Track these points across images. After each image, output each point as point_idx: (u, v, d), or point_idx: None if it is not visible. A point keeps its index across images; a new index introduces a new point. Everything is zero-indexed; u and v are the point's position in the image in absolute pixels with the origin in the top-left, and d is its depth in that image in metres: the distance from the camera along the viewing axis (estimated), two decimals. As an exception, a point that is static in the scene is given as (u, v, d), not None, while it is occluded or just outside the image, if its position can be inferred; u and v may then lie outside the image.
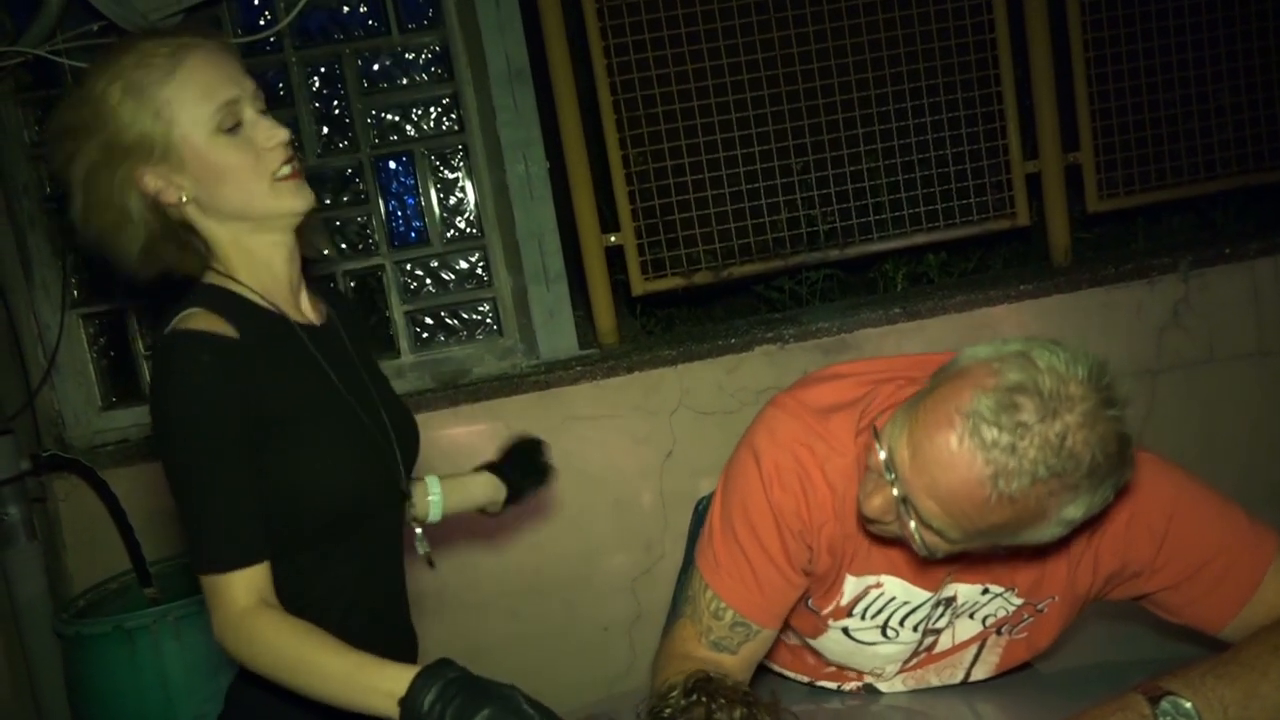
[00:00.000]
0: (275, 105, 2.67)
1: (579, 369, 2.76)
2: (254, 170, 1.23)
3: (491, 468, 1.73)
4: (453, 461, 2.75)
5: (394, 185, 2.77)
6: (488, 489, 1.71)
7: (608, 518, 2.82)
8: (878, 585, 1.28)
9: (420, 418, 2.73)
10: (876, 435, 1.11)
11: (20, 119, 2.63)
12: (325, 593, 1.30)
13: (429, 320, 2.82)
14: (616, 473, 2.81)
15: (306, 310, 1.37)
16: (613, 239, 2.84)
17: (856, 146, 2.88)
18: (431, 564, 1.61)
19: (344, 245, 2.77)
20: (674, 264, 2.88)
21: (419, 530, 1.60)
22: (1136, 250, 3.07)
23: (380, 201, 2.76)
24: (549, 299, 2.80)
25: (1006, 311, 2.84)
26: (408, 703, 1.07)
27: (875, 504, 1.11)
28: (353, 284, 2.78)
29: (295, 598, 1.23)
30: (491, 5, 2.66)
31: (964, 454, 1.01)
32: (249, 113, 1.23)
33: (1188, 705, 1.03)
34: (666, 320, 3.44)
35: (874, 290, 3.24)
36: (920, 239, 2.93)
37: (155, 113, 1.21)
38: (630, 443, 2.80)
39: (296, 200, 1.27)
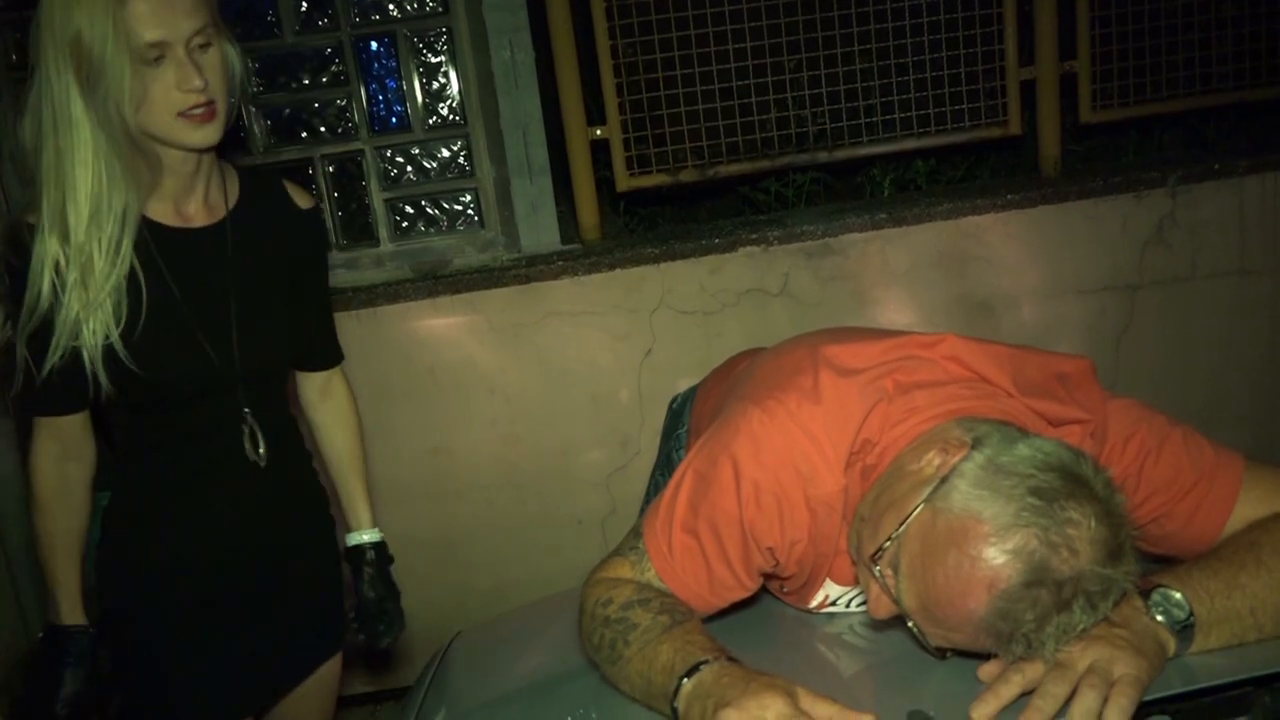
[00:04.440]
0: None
1: (560, 264, 2.73)
2: (160, 103, 1.41)
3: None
4: (431, 351, 2.75)
5: (375, 67, 2.68)
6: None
7: (585, 414, 2.83)
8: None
9: (398, 308, 2.74)
10: (878, 563, 1.08)
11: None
12: (150, 451, 1.58)
13: (409, 209, 2.77)
14: (595, 369, 2.81)
15: (191, 214, 1.54)
16: (598, 132, 2.79)
17: (850, 46, 2.81)
18: None
19: (323, 129, 2.69)
20: (660, 161, 2.83)
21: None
22: (1125, 164, 3.05)
23: (361, 84, 2.67)
24: (532, 191, 2.76)
25: (993, 221, 2.83)
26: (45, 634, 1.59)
27: (877, 609, 1.11)
28: (331, 169, 2.72)
29: (128, 445, 1.58)
30: (478, -124, 2.55)
31: (980, 639, 1.04)
32: (178, 52, 1.39)
33: (1177, 595, 1.07)
34: (649, 219, 3.40)
35: (860, 196, 3.20)
36: (910, 144, 2.89)
37: (93, 22, 1.35)
38: (610, 340, 2.79)
39: (191, 136, 1.44)
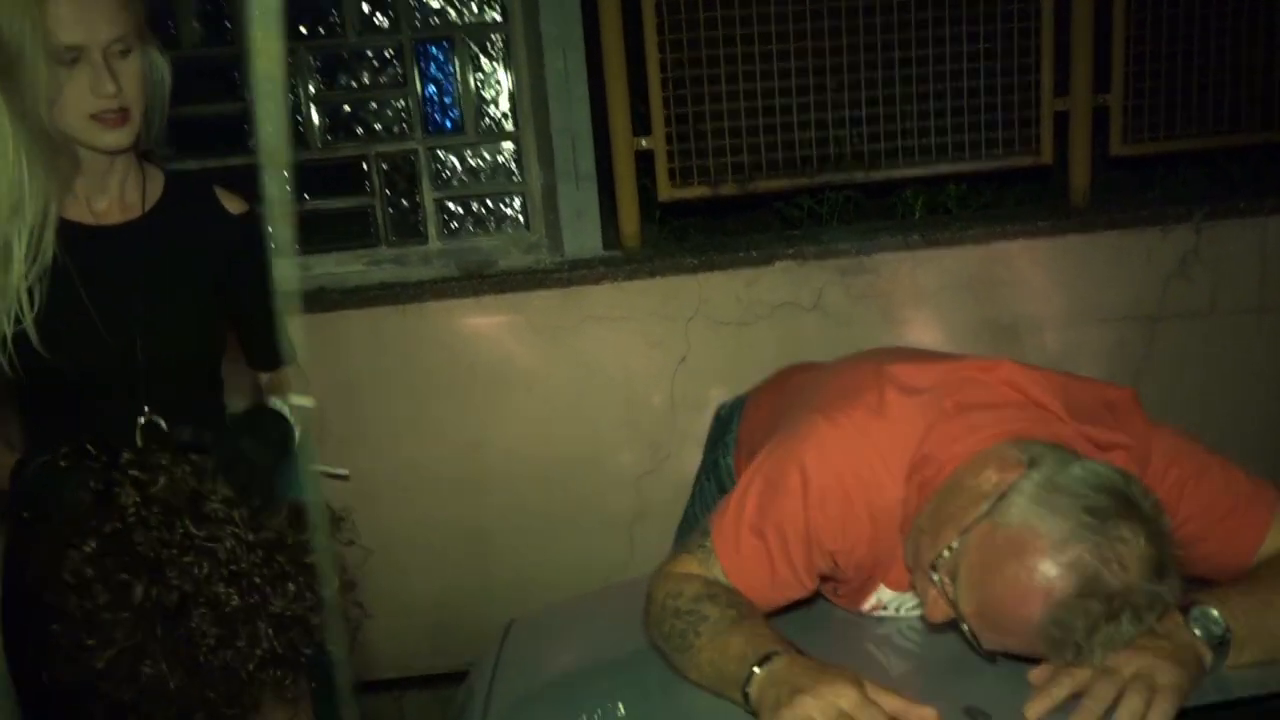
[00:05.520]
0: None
1: (602, 269, 2.82)
2: (73, 104, 1.44)
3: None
4: (473, 347, 2.84)
5: (433, 70, 2.77)
6: None
7: (618, 417, 2.91)
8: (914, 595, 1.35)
9: (444, 305, 2.82)
10: (937, 570, 1.17)
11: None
12: (51, 444, 1.51)
13: (458, 209, 2.86)
14: (630, 374, 2.89)
15: (102, 212, 1.58)
16: (644, 143, 2.87)
17: (891, 70, 2.90)
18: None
19: (379, 127, 2.78)
20: (701, 173, 2.92)
21: None
22: (1152, 197, 3.13)
23: (418, 86, 2.76)
24: (577, 197, 2.84)
25: (1022, 247, 2.91)
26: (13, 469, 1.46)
27: (934, 614, 1.20)
28: (384, 166, 2.80)
29: (32, 440, 1.58)
30: (543, -105, 2.64)
31: (1034, 644, 1.12)
32: (95, 56, 1.42)
33: (1214, 613, 1.16)
34: (680, 229, 3.48)
35: (891, 216, 3.29)
36: (945, 168, 2.98)
37: (10, 18, 1.37)
38: (645, 345, 2.87)
39: (101, 138, 1.48)
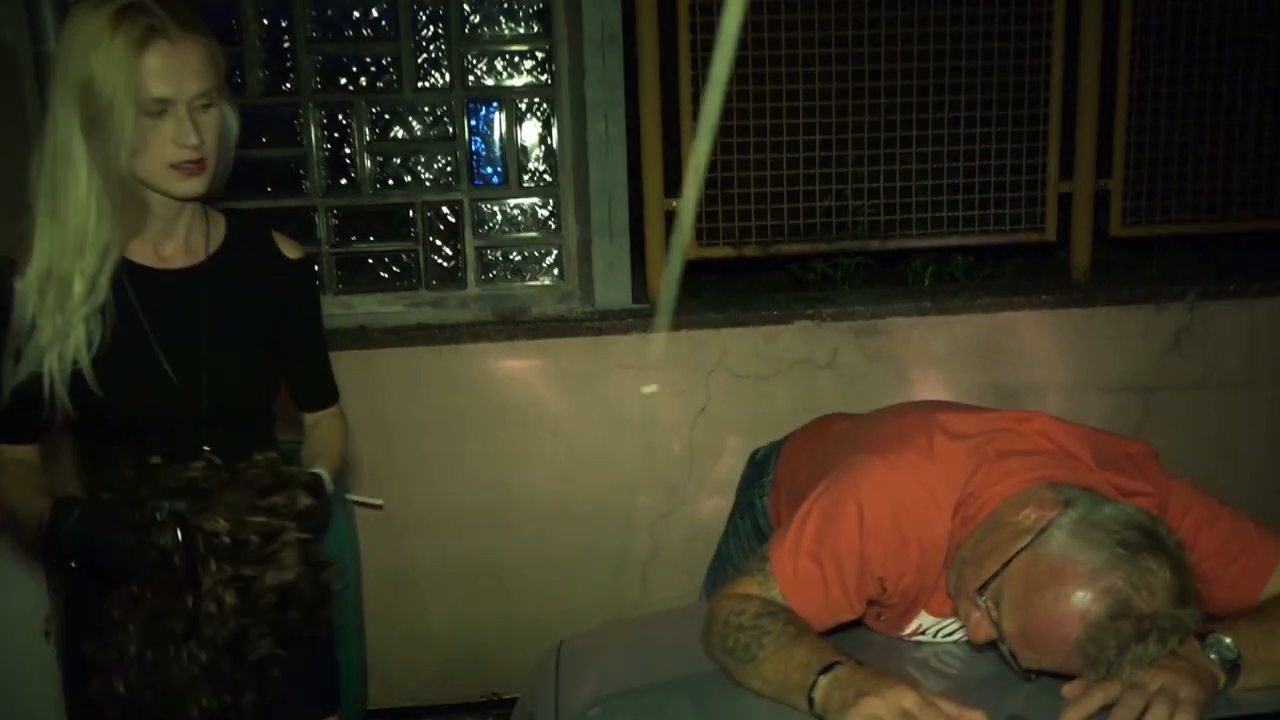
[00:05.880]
0: (381, 37, 2.85)
1: (631, 320, 2.97)
2: (155, 154, 1.49)
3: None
4: (504, 389, 2.97)
5: (481, 127, 2.94)
6: None
7: (638, 461, 3.04)
8: (953, 621, 1.49)
9: (478, 348, 2.97)
10: (983, 595, 1.31)
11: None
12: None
13: (497, 257, 3.01)
14: (652, 421, 3.03)
15: (169, 256, 1.63)
16: (674, 204, 3.04)
17: (908, 147, 3.09)
18: None
19: (427, 177, 2.94)
20: (726, 234, 3.09)
21: None
22: (1149, 276, 3.33)
23: (467, 141, 2.93)
24: (610, 252, 3.00)
25: (1027, 318, 3.09)
26: (48, 521, 1.45)
27: (977, 635, 1.34)
28: (429, 214, 2.96)
29: (91, 477, 1.62)
30: (594, -29, 2.84)
31: (1071, 660, 1.25)
32: (180, 110, 1.48)
33: (1227, 640, 1.31)
34: (694, 287, 3.64)
35: (901, 283, 3.46)
36: (955, 240, 3.16)
37: (107, 71, 1.42)
38: (668, 394, 3.02)
39: (178, 186, 1.53)
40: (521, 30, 2.92)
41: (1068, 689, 1.28)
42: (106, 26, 1.41)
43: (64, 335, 1.51)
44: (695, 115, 2.98)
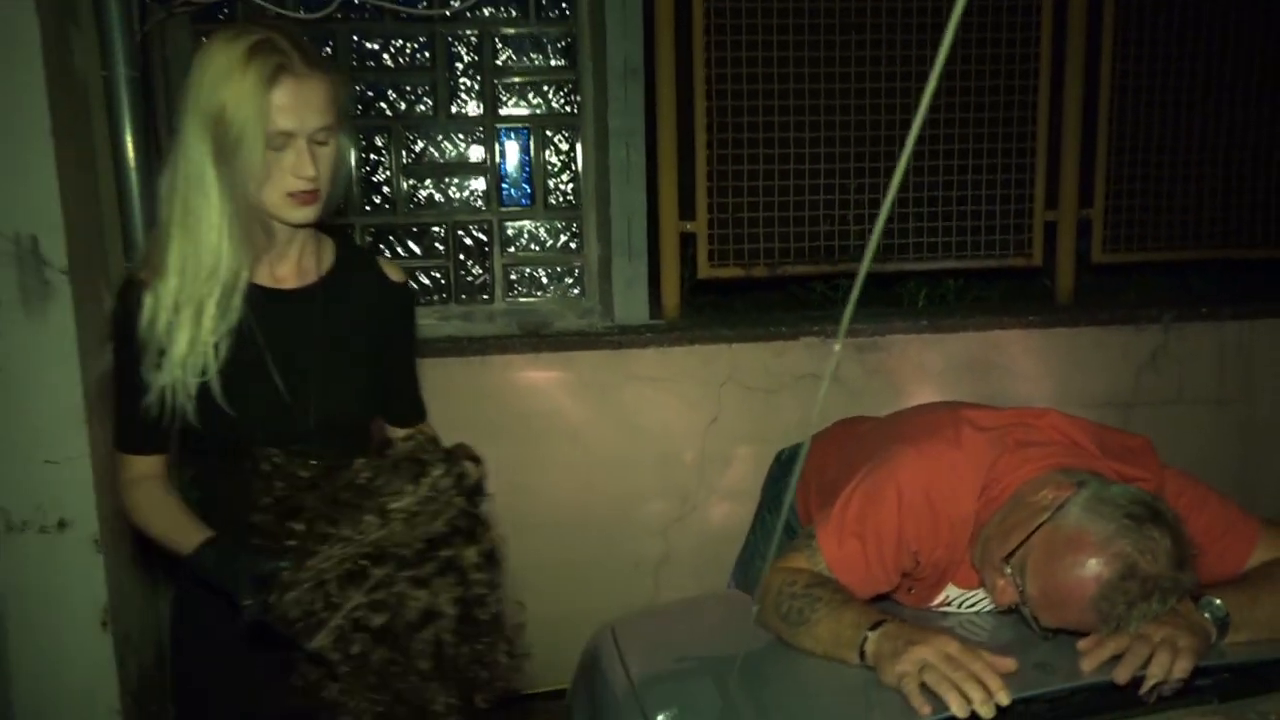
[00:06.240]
0: (418, 68, 3.04)
1: (648, 335, 3.16)
2: (274, 183, 1.57)
3: None
4: (527, 398, 3.14)
5: (511, 152, 3.14)
6: None
7: (652, 468, 3.23)
8: (977, 592, 1.70)
9: (504, 359, 3.15)
10: (1008, 564, 1.51)
11: (191, 45, 2.94)
12: (228, 493, 1.61)
13: (523, 274, 3.20)
14: (666, 430, 3.22)
15: (282, 277, 1.70)
16: (688, 226, 3.24)
17: (905, 178, 3.32)
18: None
19: (459, 198, 3.13)
20: (736, 256, 3.29)
21: None
22: (1127, 300, 3.57)
23: (497, 166, 3.12)
24: (629, 271, 3.20)
25: (1015, 337, 3.31)
26: (193, 555, 1.55)
27: (1002, 600, 1.54)
28: (460, 233, 3.15)
29: (208, 489, 1.70)
30: (618, 9, 3.04)
31: (1086, 617, 1.45)
32: (300, 143, 1.56)
33: (1217, 602, 1.52)
34: (697, 306, 3.84)
35: (897, 304, 3.68)
36: (949, 264, 3.39)
37: (238, 104, 1.51)
38: (682, 405, 3.21)
39: (293, 214, 1.61)
40: (549, 63, 3.12)
41: (1083, 643, 1.48)
42: (240, 61, 1.50)
43: (197, 351, 1.58)
44: (709, 144, 3.19)
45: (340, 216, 3.09)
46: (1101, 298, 3.59)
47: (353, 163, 1.74)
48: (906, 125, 3.28)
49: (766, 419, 3.22)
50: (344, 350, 1.73)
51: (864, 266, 1.05)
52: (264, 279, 1.68)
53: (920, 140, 3.31)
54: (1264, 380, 3.47)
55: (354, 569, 1.38)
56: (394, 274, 1.82)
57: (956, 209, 3.36)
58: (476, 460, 1.57)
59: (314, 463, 1.50)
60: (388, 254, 3.13)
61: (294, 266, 1.71)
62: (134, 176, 2.63)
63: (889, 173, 3.30)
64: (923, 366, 3.29)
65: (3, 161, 2.33)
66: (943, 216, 3.36)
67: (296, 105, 1.53)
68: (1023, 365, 3.34)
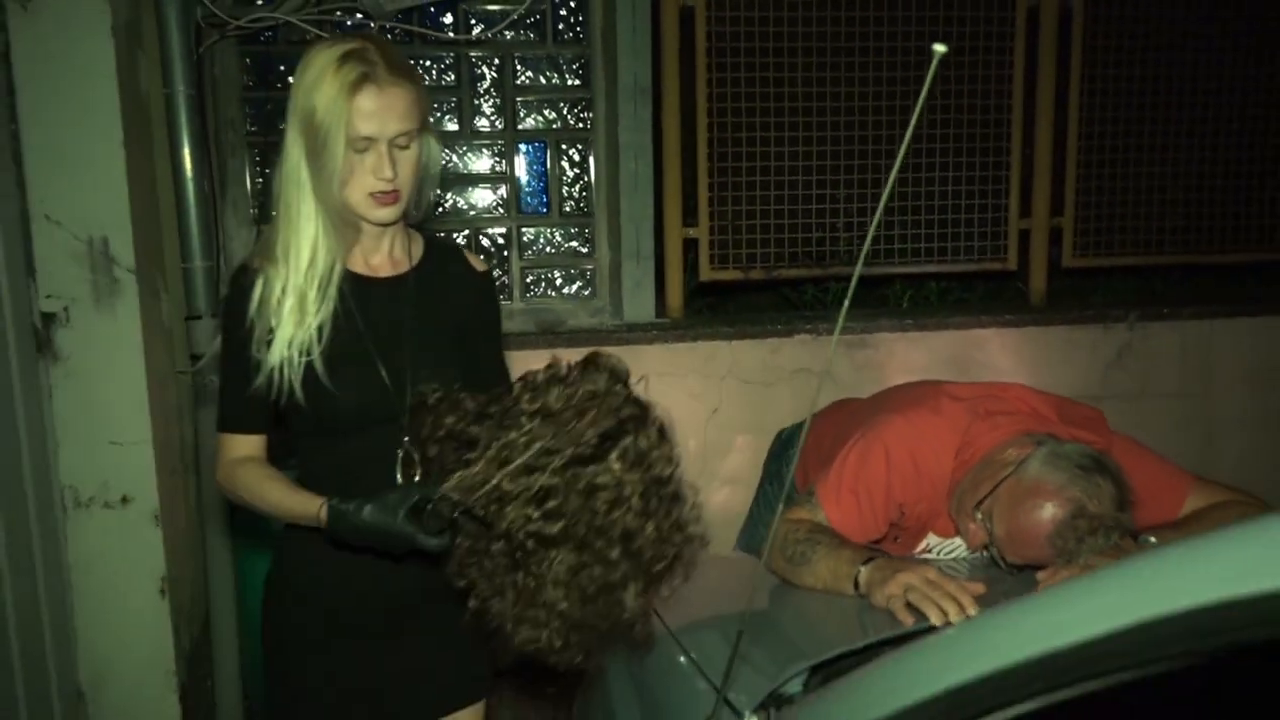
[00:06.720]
0: (444, 87, 3.31)
1: (654, 333, 3.42)
2: (357, 183, 1.67)
3: None
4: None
5: (528, 164, 3.40)
6: None
7: (659, 456, 3.48)
8: (954, 540, 1.97)
9: (521, 355, 3.40)
10: (978, 511, 1.77)
11: (238, 65, 3.20)
12: (324, 469, 1.77)
13: (539, 276, 3.46)
14: (670, 421, 3.46)
15: (376, 266, 1.81)
16: (691, 232, 3.51)
17: (892, 190, 3.59)
18: None
19: (479, 205, 3.40)
20: (735, 260, 3.56)
21: None
22: (1096, 301, 3.86)
23: (516, 175, 3.39)
24: (637, 273, 3.46)
25: (992, 334, 3.59)
26: (332, 506, 1.63)
27: (974, 542, 1.80)
28: (481, 239, 3.41)
29: (308, 469, 1.80)
30: (629, 33, 3.32)
31: (1044, 552, 1.71)
32: (381, 147, 1.65)
33: (1153, 539, 1.77)
34: (696, 308, 4.10)
35: (882, 304, 3.96)
36: (932, 268, 3.67)
37: (326, 108, 1.61)
38: (686, 397, 3.47)
39: (374, 213, 1.71)
40: (565, 82, 3.40)
41: (1041, 574, 1.74)
42: (330, 68, 1.61)
43: (302, 333, 1.68)
44: (711, 157, 3.47)
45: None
46: (1071, 299, 3.88)
47: (439, 163, 1.83)
48: (891, 141, 3.57)
49: (764, 410, 3.48)
50: (438, 333, 1.82)
51: (856, 272, 1.27)
52: (360, 268, 1.79)
53: (905, 156, 3.59)
54: (1222, 376, 3.76)
55: (532, 463, 1.44)
56: (479, 265, 1.93)
57: (939, 218, 3.64)
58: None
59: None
60: (415, 257, 3.39)
61: (386, 257, 1.81)
62: (190, 185, 2.89)
63: (875, 184, 3.58)
64: (907, 362, 3.56)
65: (80, 170, 2.58)
66: (926, 225, 3.64)
67: (378, 111, 1.62)
68: (999, 362, 3.62)
